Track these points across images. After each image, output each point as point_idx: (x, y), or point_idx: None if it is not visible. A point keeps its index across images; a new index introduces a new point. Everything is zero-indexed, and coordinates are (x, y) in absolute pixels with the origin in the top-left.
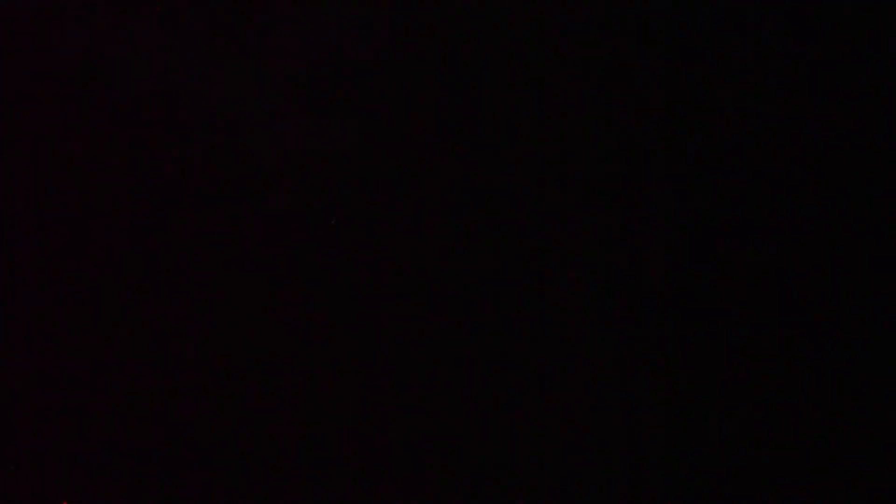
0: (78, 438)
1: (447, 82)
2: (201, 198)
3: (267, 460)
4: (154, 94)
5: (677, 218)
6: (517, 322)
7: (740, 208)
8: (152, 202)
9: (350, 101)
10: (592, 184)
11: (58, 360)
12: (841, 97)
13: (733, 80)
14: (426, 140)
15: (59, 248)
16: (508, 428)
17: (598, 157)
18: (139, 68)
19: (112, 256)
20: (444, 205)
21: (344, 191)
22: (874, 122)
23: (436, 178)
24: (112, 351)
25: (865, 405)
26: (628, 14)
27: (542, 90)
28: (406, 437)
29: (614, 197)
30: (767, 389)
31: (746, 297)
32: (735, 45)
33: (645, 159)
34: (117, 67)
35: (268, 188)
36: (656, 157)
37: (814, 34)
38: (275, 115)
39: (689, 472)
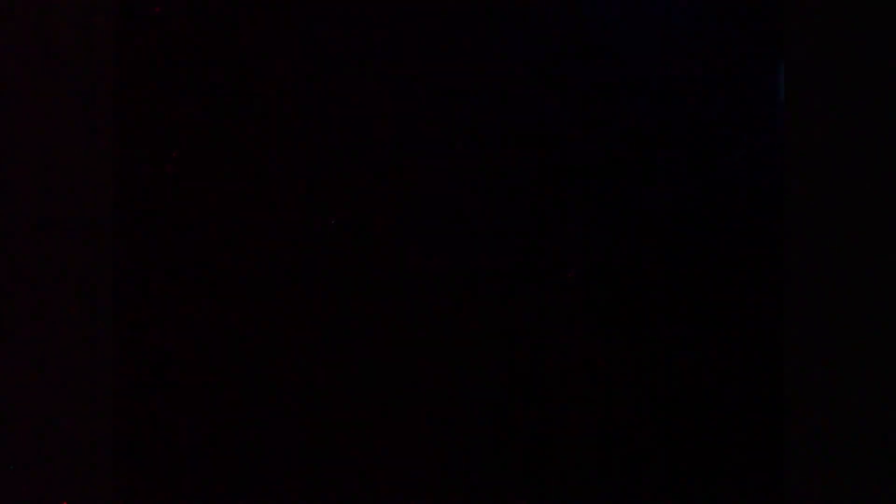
0: (79, 438)
1: (446, 81)
2: (200, 197)
3: (267, 460)
4: (154, 93)
5: (677, 218)
6: (516, 322)
7: (740, 208)
8: (151, 201)
9: (350, 100)
10: (592, 183)
11: (58, 359)
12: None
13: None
14: (426, 139)
15: (59, 247)
16: (509, 428)
17: (597, 155)
18: (139, 67)
19: (112, 255)
20: (443, 203)
21: (344, 190)
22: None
23: (435, 177)
24: (112, 350)
25: (865, 404)
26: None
27: (540, 89)
28: (406, 437)
29: (614, 196)
30: (767, 389)
31: (746, 297)
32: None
33: (644, 159)
34: (118, 67)
35: (267, 187)
36: (655, 157)
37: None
38: (274, 114)
39: (689, 472)
